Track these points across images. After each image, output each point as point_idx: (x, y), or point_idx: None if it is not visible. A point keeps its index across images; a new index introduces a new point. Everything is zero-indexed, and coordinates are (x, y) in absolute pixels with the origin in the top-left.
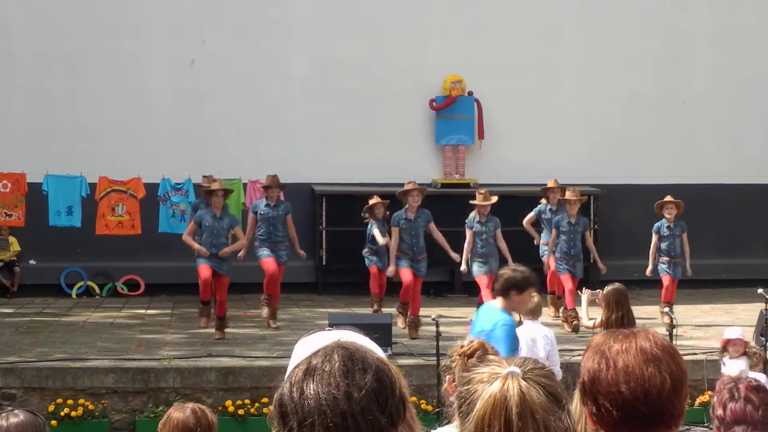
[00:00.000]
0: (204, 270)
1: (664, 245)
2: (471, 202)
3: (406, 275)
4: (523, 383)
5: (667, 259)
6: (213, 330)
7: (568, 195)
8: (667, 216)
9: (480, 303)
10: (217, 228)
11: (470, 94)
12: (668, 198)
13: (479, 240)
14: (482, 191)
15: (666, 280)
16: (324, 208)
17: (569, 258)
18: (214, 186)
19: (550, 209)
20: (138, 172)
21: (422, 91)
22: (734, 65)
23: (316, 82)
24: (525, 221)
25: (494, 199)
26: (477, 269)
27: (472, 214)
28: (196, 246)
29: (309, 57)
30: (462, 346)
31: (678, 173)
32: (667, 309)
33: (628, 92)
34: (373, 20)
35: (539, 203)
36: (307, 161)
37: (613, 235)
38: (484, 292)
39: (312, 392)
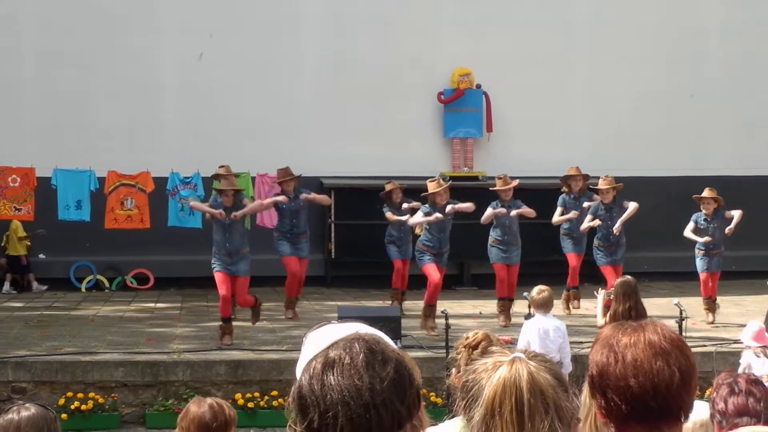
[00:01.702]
0: (222, 285)
1: (702, 238)
2: (491, 189)
3: (433, 274)
4: (532, 365)
5: (703, 252)
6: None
7: (602, 184)
8: (704, 211)
9: (500, 297)
10: (229, 222)
11: (478, 87)
12: (706, 192)
13: (501, 226)
14: (501, 176)
15: (703, 276)
16: (333, 201)
17: (608, 245)
18: (223, 185)
19: (574, 197)
20: (147, 166)
21: (430, 84)
22: (745, 58)
23: (325, 75)
24: (555, 221)
25: (515, 182)
26: (496, 256)
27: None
28: (209, 209)
29: (317, 51)
30: (467, 338)
31: (688, 166)
32: (676, 302)
33: (637, 85)
34: (381, 14)
35: (562, 191)
36: (315, 154)
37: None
38: (499, 285)
39: (334, 384)
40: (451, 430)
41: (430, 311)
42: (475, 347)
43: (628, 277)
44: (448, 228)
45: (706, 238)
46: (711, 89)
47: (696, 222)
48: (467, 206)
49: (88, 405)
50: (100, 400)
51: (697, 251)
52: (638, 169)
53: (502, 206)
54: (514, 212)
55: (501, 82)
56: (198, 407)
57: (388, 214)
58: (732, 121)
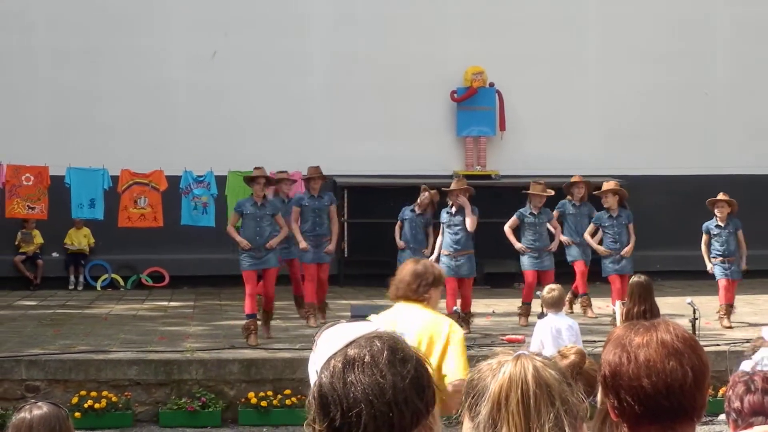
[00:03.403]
0: (250, 282)
1: (716, 244)
2: (525, 192)
3: (449, 283)
4: (537, 360)
5: (720, 259)
6: (237, 322)
7: (605, 187)
8: (718, 215)
9: (526, 302)
10: (260, 215)
11: (491, 85)
12: (720, 195)
13: (531, 232)
14: (540, 182)
15: (722, 282)
16: (346, 200)
17: (615, 252)
18: (255, 173)
19: (573, 204)
20: (160, 165)
21: (443, 82)
22: (755, 55)
23: (337, 74)
24: (555, 226)
25: (551, 192)
26: (528, 263)
27: (525, 208)
28: (238, 238)
29: (330, 49)
30: (560, 352)
31: (700, 164)
32: (689, 301)
33: (649, 83)
34: (393, 12)
35: (567, 198)
36: (328, 153)
37: (635, 226)
38: (527, 290)
39: (357, 382)
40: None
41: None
42: (565, 357)
43: (644, 277)
44: (461, 225)
45: (722, 248)
46: (722, 87)
47: (708, 232)
48: (471, 221)
49: (102, 404)
50: (114, 399)
51: (712, 260)
52: (651, 168)
53: (531, 213)
54: (550, 227)
55: (513, 80)
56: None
57: (400, 243)
58: (744, 119)
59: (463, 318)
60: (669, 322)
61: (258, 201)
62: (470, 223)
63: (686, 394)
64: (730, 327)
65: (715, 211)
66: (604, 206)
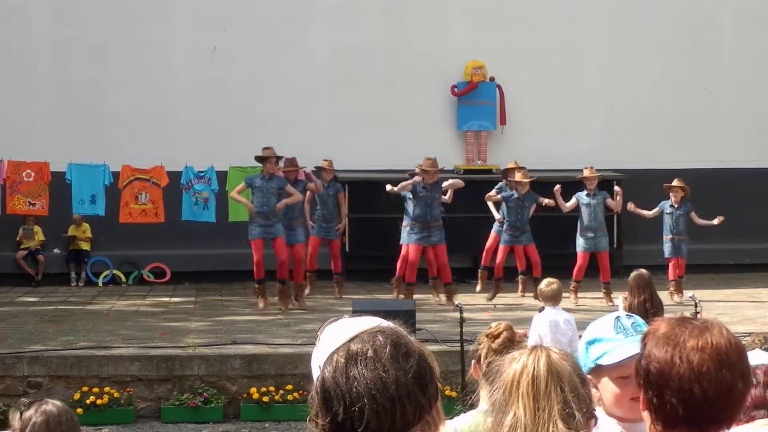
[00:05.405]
0: (257, 249)
1: (667, 223)
2: (578, 178)
3: (411, 252)
4: (554, 352)
5: (670, 237)
6: (238, 318)
7: (518, 176)
8: (672, 198)
9: (577, 279)
10: (266, 187)
11: (492, 79)
12: (675, 182)
13: (587, 212)
14: (589, 167)
15: (672, 261)
16: (347, 194)
17: (515, 229)
18: (265, 153)
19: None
20: (161, 161)
21: (444, 76)
22: (759, 49)
23: (339, 68)
24: (487, 197)
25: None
26: (582, 244)
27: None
28: (245, 201)
29: (331, 43)
30: (489, 328)
31: (702, 158)
32: (691, 295)
33: (651, 77)
34: (395, 6)
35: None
36: (329, 147)
37: (636, 220)
38: (578, 270)
39: (359, 377)
40: (467, 421)
41: (397, 283)
42: (497, 337)
43: (643, 270)
44: (434, 204)
45: (671, 226)
46: (726, 80)
47: (662, 209)
48: (456, 182)
49: (104, 399)
50: (116, 395)
51: (664, 237)
52: (653, 161)
53: (587, 194)
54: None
55: (514, 74)
56: None
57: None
58: (748, 113)
59: (447, 290)
60: (721, 325)
61: (266, 176)
62: (451, 196)
63: (731, 405)
64: (681, 303)
65: (670, 194)
66: (518, 191)
